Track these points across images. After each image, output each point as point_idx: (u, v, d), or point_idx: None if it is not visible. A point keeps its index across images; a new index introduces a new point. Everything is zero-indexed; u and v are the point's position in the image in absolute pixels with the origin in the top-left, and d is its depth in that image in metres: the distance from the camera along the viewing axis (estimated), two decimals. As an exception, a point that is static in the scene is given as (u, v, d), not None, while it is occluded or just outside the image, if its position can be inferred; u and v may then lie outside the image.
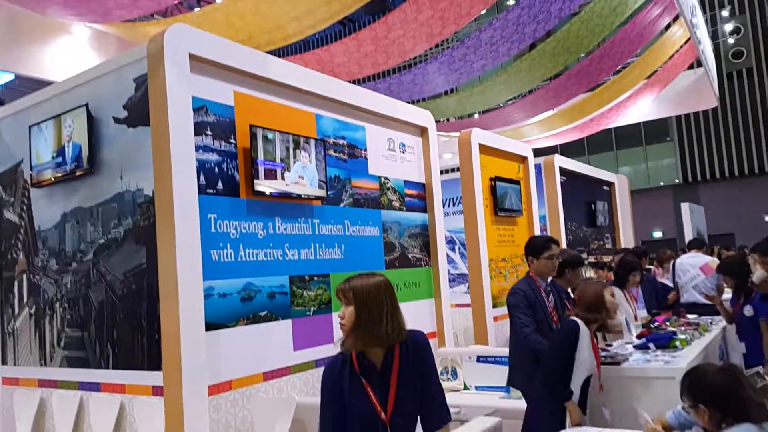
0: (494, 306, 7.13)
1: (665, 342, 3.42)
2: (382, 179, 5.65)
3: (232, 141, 4.24)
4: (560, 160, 9.62)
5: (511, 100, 11.76)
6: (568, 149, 21.53)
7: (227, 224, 4.11)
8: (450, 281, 6.76)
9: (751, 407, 1.98)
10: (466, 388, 5.49)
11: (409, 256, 5.89)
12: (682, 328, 3.76)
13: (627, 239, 12.33)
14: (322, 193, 4.74)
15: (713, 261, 5.95)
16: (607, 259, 9.64)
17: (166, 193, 3.77)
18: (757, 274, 3.92)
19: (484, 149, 7.35)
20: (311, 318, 4.65)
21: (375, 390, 2.03)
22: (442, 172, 9.59)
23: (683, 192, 21.27)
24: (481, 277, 6.86)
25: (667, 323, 4.06)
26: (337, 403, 2.05)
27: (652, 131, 22.57)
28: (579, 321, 3.02)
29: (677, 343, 3.39)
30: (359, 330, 2.03)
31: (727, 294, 4.88)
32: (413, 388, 2.06)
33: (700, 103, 12.22)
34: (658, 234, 21.04)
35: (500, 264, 7.51)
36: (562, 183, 9.68)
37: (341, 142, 5.21)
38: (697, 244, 6.28)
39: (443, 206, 9.57)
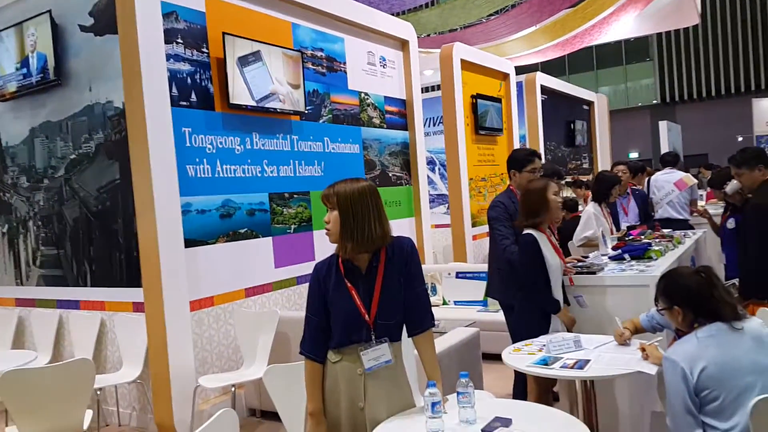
0: (473, 225, 7.17)
1: (640, 253, 3.46)
2: (362, 95, 5.49)
3: (205, 50, 4.03)
4: (542, 78, 9.46)
5: (494, 14, 11.40)
6: (550, 68, 21.17)
7: (203, 139, 3.97)
8: (430, 202, 6.75)
9: (722, 307, 2.03)
10: (445, 303, 5.60)
11: (390, 175, 5.83)
12: (657, 240, 3.80)
13: (604, 159, 12.39)
14: (300, 107, 4.59)
15: (687, 177, 5.99)
16: (584, 178, 9.70)
17: (137, 105, 3.60)
18: (730, 185, 3.95)
19: (465, 65, 7.16)
20: (292, 236, 4.61)
21: (359, 292, 2.02)
22: (422, 91, 9.43)
23: (661, 112, 21.28)
24: (461, 196, 6.85)
25: (642, 236, 4.10)
26: (322, 304, 2.04)
27: (632, 51, 22.28)
28: (530, 231, 3.03)
29: (652, 254, 3.43)
30: (347, 235, 1.99)
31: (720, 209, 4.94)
32: (398, 292, 2.04)
33: (682, 20, 11.97)
34: (634, 154, 21.19)
35: (479, 183, 7.50)
36: (542, 102, 9.57)
37: (319, 54, 5.00)
38: (671, 160, 6.29)
39: (424, 126, 9.50)
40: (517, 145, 8.46)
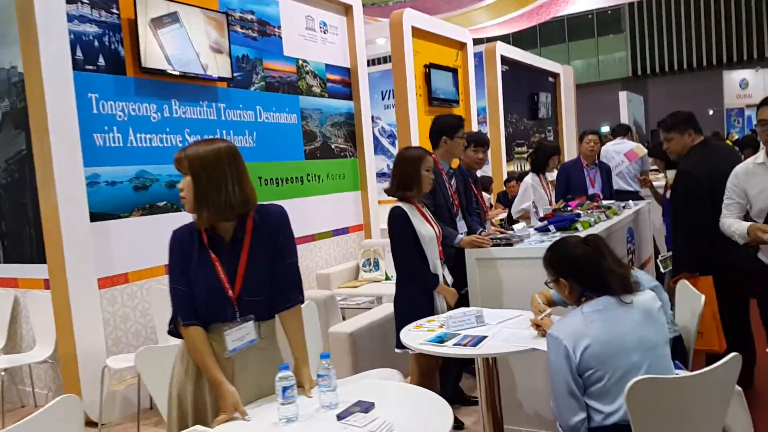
0: (426, 198, 7.00)
1: (566, 224, 3.31)
2: (300, 62, 5.25)
3: (115, 11, 3.76)
4: (502, 48, 9.24)
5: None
6: (521, 40, 21.00)
7: (112, 105, 3.72)
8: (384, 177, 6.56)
9: (611, 279, 1.88)
10: (387, 278, 5.45)
11: (332, 147, 5.62)
12: (590, 211, 3.66)
13: (570, 133, 12.28)
14: (226, 73, 4.35)
15: (638, 147, 5.87)
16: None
17: (34, 70, 3.35)
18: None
19: (418, 33, 6.92)
20: (219, 208, 4.40)
21: (224, 265, 1.83)
22: (378, 61, 9.17)
23: (632, 85, 21.16)
24: (412, 168, 6.67)
25: (580, 207, 3.97)
26: (186, 276, 1.85)
27: (604, 23, 22.09)
28: (398, 204, 2.88)
29: (578, 226, 3.28)
30: (201, 201, 1.80)
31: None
32: (265, 264, 1.87)
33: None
34: (605, 128, 21.14)
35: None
36: (504, 73, 9.36)
37: (249, 17, 4.74)
38: (621, 131, 6.16)
39: (383, 99, 9.25)
40: (474, 117, 8.29)
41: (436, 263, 2.88)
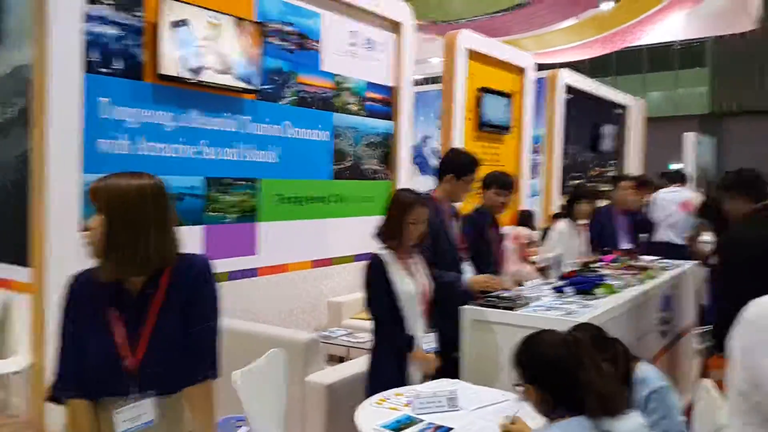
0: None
1: (587, 287, 2.90)
2: (339, 78, 5.00)
3: (138, 13, 3.61)
4: (566, 76, 8.75)
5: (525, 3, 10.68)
6: (597, 68, 20.23)
7: (123, 111, 3.56)
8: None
9: (589, 396, 1.50)
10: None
11: (364, 167, 5.34)
12: (620, 272, 3.23)
13: (634, 168, 11.57)
14: (253, 85, 4.14)
15: (696, 197, 5.32)
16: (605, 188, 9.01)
17: (42, 69, 3.22)
18: None
19: (474, 55, 6.57)
20: (229, 226, 4.19)
21: (127, 325, 1.54)
22: (435, 80, 8.86)
23: (710, 123, 19.94)
24: (451, 195, 6.31)
25: (615, 264, 3.54)
26: (78, 335, 1.56)
27: (686, 55, 20.94)
28: (379, 251, 2.54)
29: (599, 290, 2.86)
30: (110, 248, 1.50)
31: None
32: (179, 329, 1.56)
33: (737, 25, 11.00)
34: (675, 166, 20.03)
35: (476, 185, 6.92)
36: (567, 101, 8.87)
37: (288, 29, 4.53)
38: (678, 178, 5.61)
39: (438, 118, 8.92)
40: (527, 146, 7.85)
41: (414, 324, 2.55)
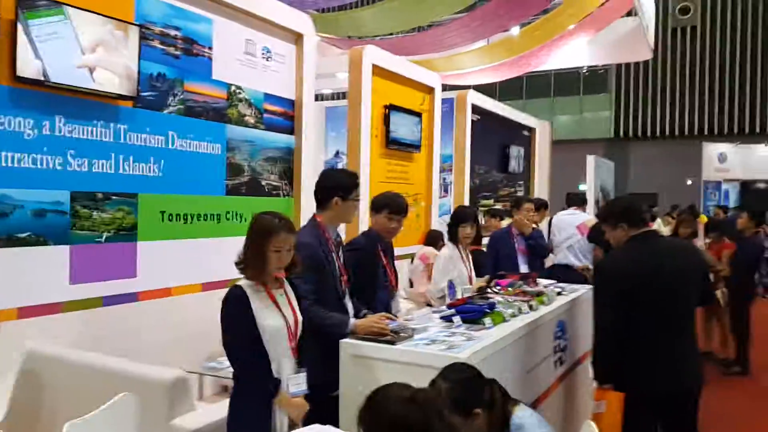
0: (371, 247, 6.45)
1: (476, 316, 2.75)
2: (233, 88, 4.71)
3: (-9, 7, 3.19)
4: (474, 97, 8.84)
5: (446, 19, 10.74)
6: (508, 91, 20.84)
7: (-29, 116, 3.13)
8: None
9: None
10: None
11: (263, 183, 5.05)
12: (512, 298, 3.12)
13: (542, 189, 11.87)
14: (127, 90, 3.78)
15: (591, 220, 5.40)
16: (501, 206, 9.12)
17: None
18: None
19: (380, 72, 6.45)
20: (103, 246, 3.79)
21: None
22: (343, 96, 8.69)
23: (614, 147, 20.96)
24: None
25: (510, 288, 3.43)
26: None
27: (591, 82, 21.99)
28: (241, 282, 2.34)
29: (487, 319, 2.72)
30: None
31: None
32: None
33: (635, 54, 11.58)
34: (584, 187, 20.86)
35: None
36: (475, 122, 8.94)
37: (173, 33, 4.20)
38: (577, 201, 5.69)
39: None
40: (437, 164, 7.81)
41: (281, 363, 2.30)
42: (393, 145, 6.72)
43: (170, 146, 4.20)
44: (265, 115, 5.04)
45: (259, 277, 2.32)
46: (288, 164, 5.32)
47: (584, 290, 3.89)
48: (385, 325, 2.55)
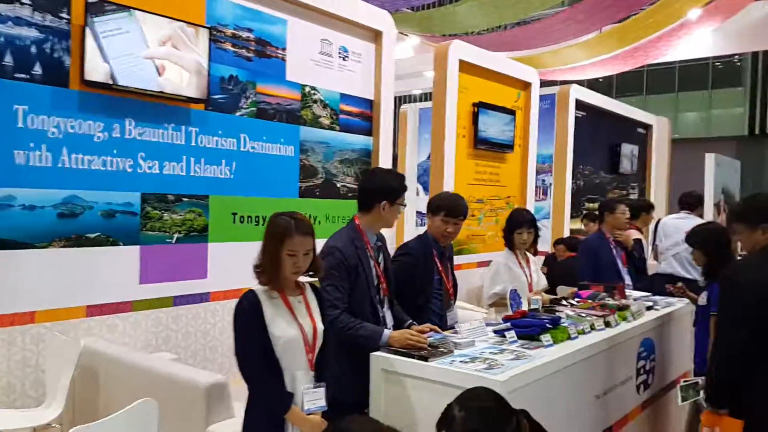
0: (457, 253, 6.18)
1: (534, 332, 2.41)
2: (307, 89, 4.65)
3: (65, 15, 3.33)
4: (578, 92, 8.25)
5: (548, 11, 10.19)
6: (626, 87, 19.56)
7: (45, 120, 3.27)
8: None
9: None
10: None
11: (338, 185, 4.96)
12: (587, 312, 2.73)
13: (659, 192, 10.92)
14: (199, 93, 3.82)
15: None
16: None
17: (-54, 72, 2.95)
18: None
19: (468, 68, 6.17)
20: (173, 246, 3.85)
21: None
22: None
23: (747, 146, 18.95)
24: (441, 217, 5.86)
25: (591, 301, 3.04)
26: None
27: (722, 74, 20.02)
28: (256, 288, 2.13)
29: (544, 337, 2.36)
30: None
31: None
32: None
33: (770, 41, 10.33)
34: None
35: (474, 206, 6.48)
36: (581, 119, 8.37)
37: (246, 35, 4.21)
38: (689, 202, 5.00)
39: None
40: (533, 165, 7.36)
41: (295, 376, 2.12)
42: (482, 144, 6.40)
43: (242, 148, 4.21)
44: (341, 116, 4.95)
45: (274, 283, 2.18)
46: (366, 166, 5.19)
47: (681, 305, 3.40)
48: (422, 338, 2.33)
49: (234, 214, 4.20)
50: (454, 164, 6.01)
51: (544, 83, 8.19)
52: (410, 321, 2.69)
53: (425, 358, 2.15)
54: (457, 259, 6.03)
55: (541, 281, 3.96)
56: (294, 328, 2.16)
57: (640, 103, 17.15)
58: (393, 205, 2.65)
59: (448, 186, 5.96)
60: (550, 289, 4.46)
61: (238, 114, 4.18)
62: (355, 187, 5.12)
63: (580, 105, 8.34)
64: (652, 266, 5.34)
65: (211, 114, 4.01)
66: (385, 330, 2.47)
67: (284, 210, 2.29)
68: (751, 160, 14.39)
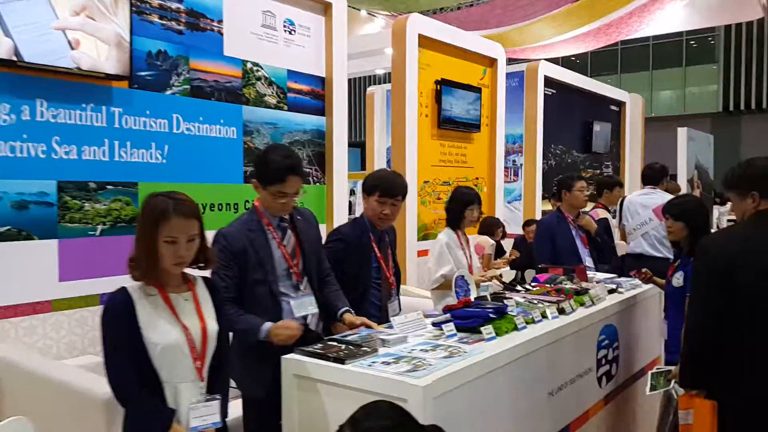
0: (422, 238, 5.91)
1: (474, 323, 2.12)
2: (249, 65, 4.31)
3: (-45, -18, 2.96)
4: (547, 68, 7.98)
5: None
6: (600, 65, 19.37)
7: (-64, 101, 2.91)
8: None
9: None
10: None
11: (289, 169, 4.62)
12: (539, 298, 2.47)
13: (634, 171, 10.73)
14: (120, 69, 3.46)
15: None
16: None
17: None
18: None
19: (429, 43, 5.87)
20: (98, 239, 3.51)
21: None
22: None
23: (723, 122, 18.85)
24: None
25: (549, 285, 2.78)
26: None
27: (695, 52, 19.88)
28: (128, 286, 1.85)
29: (486, 328, 2.07)
30: None
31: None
32: None
33: (743, 14, 10.14)
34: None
35: (439, 188, 6.20)
36: (550, 97, 8.11)
37: (175, 5, 3.85)
38: (654, 176, 4.72)
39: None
40: (501, 145, 7.09)
41: (178, 389, 1.82)
42: (446, 124, 6.11)
43: (175, 130, 3.87)
44: (290, 95, 4.62)
45: (151, 277, 1.86)
46: (319, 148, 4.88)
47: (647, 287, 3.15)
48: (297, 330, 2.07)
49: (169, 202, 3.86)
50: (417, 145, 5.72)
51: (512, 60, 7.91)
52: (344, 308, 2.41)
53: (341, 360, 1.86)
54: (424, 245, 5.79)
55: (475, 264, 3.72)
56: (176, 332, 1.84)
57: (615, 82, 16.97)
58: (264, 189, 2.36)
59: (411, 168, 5.67)
60: (520, 273, 4.22)
61: (168, 92, 3.83)
62: (308, 170, 4.82)
63: (549, 82, 8.09)
64: (622, 246, 5.10)
65: (137, 92, 3.66)
66: (266, 323, 2.19)
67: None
68: (725, 137, 14.28)
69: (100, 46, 3.36)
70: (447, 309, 2.27)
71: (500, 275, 5.57)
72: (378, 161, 9.75)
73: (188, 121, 3.94)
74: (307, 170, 4.79)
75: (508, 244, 6.76)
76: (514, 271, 5.07)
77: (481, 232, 5.74)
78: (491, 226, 5.79)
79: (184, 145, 3.91)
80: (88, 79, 3.39)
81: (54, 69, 3.22)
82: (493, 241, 5.66)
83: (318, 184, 4.88)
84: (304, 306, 2.36)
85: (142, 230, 1.85)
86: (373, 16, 11.23)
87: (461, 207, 3.53)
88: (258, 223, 2.39)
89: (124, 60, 3.47)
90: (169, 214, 1.80)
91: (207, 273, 2.11)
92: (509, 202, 8.14)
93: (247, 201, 4.30)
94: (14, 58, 3.05)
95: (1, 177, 3.12)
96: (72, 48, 3.26)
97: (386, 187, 2.73)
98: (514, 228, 7.50)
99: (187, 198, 1.92)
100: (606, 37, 10.89)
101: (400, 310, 2.80)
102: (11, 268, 3.17)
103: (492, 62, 6.87)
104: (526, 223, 6.71)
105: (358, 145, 14.83)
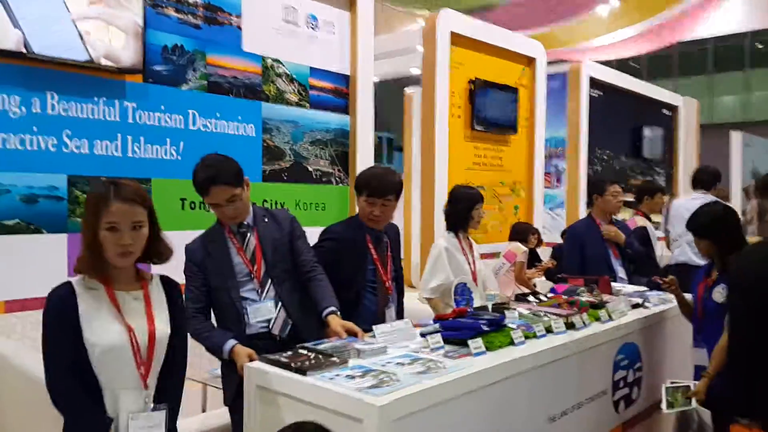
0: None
1: (465, 335, 1.90)
2: (269, 61, 4.23)
3: (-32, -25, 2.97)
4: (592, 69, 7.63)
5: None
6: (656, 70, 18.61)
7: (-53, 93, 2.92)
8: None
9: None
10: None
11: (310, 169, 4.53)
12: (546, 311, 2.23)
13: (688, 179, 10.16)
14: (133, 63, 3.42)
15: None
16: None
17: None
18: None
19: (462, 41, 5.66)
20: (108, 234, 3.47)
21: None
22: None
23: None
24: (433, 206, 5.39)
25: (566, 296, 2.54)
26: None
27: (761, 54, 18.82)
28: (73, 280, 1.70)
29: (474, 342, 1.85)
30: None
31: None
32: None
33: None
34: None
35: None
36: (597, 99, 7.76)
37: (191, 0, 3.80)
38: (704, 179, 4.34)
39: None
40: (540, 148, 6.79)
41: (118, 396, 1.69)
42: (480, 125, 5.88)
43: (191, 126, 3.82)
44: (312, 92, 4.51)
45: (95, 271, 1.74)
46: (342, 148, 4.75)
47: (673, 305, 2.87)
48: (253, 353, 1.94)
49: (183, 199, 3.82)
50: (448, 148, 5.52)
51: (554, 61, 7.61)
52: (329, 309, 2.24)
53: (303, 372, 1.70)
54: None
55: (490, 280, 3.46)
56: (118, 333, 1.71)
57: (670, 87, 16.25)
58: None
59: (441, 172, 5.48)
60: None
61: (184, 88, 3.78)
62: (330, 171, 4.70)
63: (596, 84, 7.74)
64: (668, 258, 4.76)
65: (151, 87, 3.62)
66: (228, 341, 2.10)
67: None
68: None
69: (116, 36, 3.33)
70: (438, 319, 2.08)
71: (534, 284, 5.32)
72: (416, 165, 9.57)
73: (205, 117, 3.88)
74: (329, 171, 4.67)
75: (546, 252, 6.48)
76: (550, 282, 4.82)
77: (512, 239, 5.49)
78: (524, 233, 5.52)
79: (200, 141, 3.85)
80: (101, 72, 3.37)
81: (65, 61, 3.20)
82: (525, 248, 5.39)
83: (341, 185, 4.75)
84: (260, 312, 2.28)
85: (85, 219, 1.74)
86: (417, 16, 11.08)
87: (467, 207, 3.31)
88: (219, 232, 2.35)
89: (138, 55, 3.43)
90: (108, 200, 1.69)
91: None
92: (551, 209, 7.84)
93: (265, 201, 4.21)
94: (23, 50, 3.04)
95: (11, 170, 3.11)
96: (83, 40, 3.23)
97: (374, 187, 2.56)
98: (556, 236, 7.19)
99: (134, 184, 1.80)
100: (660, 39, 10.42)
101: (400, 317, 2.63)
102: (20, 262, 3.16)
103: (530, 61, 6.60)
104: (565, 231, 6.40)
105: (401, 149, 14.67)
